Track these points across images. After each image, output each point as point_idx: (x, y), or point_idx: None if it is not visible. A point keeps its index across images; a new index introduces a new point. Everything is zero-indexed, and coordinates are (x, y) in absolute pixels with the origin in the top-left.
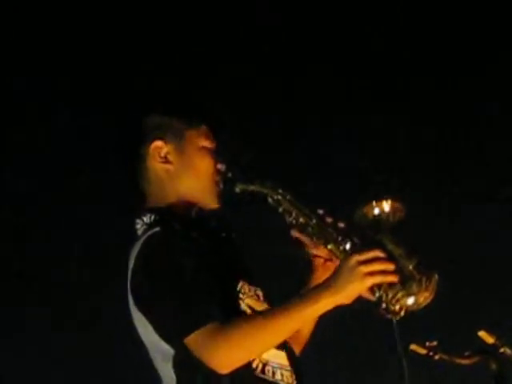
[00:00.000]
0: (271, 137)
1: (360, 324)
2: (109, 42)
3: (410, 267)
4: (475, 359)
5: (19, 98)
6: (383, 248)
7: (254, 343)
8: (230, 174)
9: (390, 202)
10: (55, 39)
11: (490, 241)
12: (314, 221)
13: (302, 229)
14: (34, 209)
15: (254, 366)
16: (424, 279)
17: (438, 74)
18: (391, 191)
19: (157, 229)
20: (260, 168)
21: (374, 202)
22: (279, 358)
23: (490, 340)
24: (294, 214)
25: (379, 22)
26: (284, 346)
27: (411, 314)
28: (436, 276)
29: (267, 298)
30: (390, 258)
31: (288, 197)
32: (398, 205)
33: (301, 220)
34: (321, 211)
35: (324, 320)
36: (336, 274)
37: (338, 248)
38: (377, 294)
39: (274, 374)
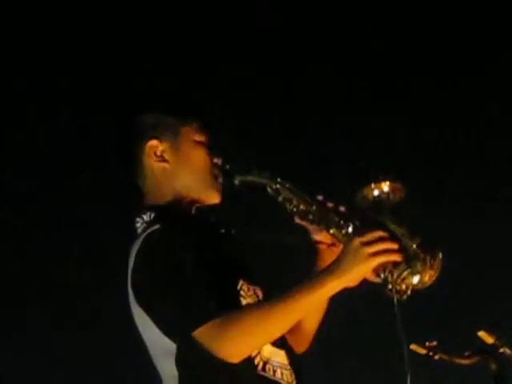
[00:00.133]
0: (271, 137)
1: (364, 323)
2: (109, 42)
3: (414, 246)
4: (475, 359)
5: (19, 98)
6: (385, 228)
7: (263, 331)
8: (227, 167)
9: (388, 182)
10: (55, 39)
11: (489, 241)
12: (315, 207)
13: (304, 216)
14: (33, 209)
15: (255, 362)
16: (428, 257)
17: (438, 74)
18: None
19: (157, 226)
20: (260, 168)
21: (372, 184)
22: (279, 357)
23: (489, 340)
24: (294, 202)
25: (379, 22)
26: (284, 345)
27: (411, 313)
28: (440, 254)
29: (267, 297)
30: (393, 237)
31: (287, 185)
32: (397, 185)
33: (301, 207)
34: (320, 197)
35: (328, 319)
36: (340, 257)
37: (341, 232)
38: (382, 276)
39: (274, 372)
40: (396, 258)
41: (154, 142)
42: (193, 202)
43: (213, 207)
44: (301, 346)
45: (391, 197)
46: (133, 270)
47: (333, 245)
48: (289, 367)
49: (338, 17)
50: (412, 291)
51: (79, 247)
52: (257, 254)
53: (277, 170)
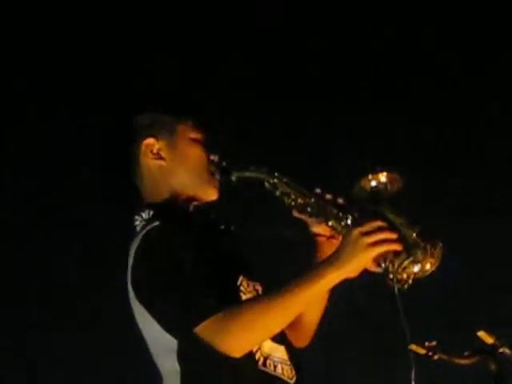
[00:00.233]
0: (271, 137)
1: (366, 318)
2: (109, 42)
3: (414, 235)
4: (474, 359)
5: (19, 98)
6: (384, 218)
7: (264, 325)
8: (224, 164)
9: (385, 173)
10: (55, 39)
11: (489, 240)
12: (313, 200)
13: (302, 209)
14: (34, 209)
15: (256, 358)
16: (429, 246)
17: (438, 74)
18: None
19: (156, 223)
20: (257, 164)
21: (370, 175)
22: (279, 352)
23: (489, 340)
24: (292, 196)
25: (379, 22)
26: (283, 341)
27: (410, 313)
28: (440, 243)
29: (266, 292)
30: (392, 227)
31: (285, 179)
32: (394, 175)
33: (299, 201)
34: (318, 189)
35: (329, 313)
36: (340, 248)
37: (340, 224)
38: (383, 265)
39: (275, 367)
40: (396, 247)
41: (150, 140)
42: (190, 199)
43: (211, 204)
44: (301, 340)
45: (389, 187)
46: (133, 268)
47: (332, 237)
48: (289, 362)
49: (337, 17)
50: (413, 280)
51: (79, 247)
52: (255, 249)
53: (277, 170)
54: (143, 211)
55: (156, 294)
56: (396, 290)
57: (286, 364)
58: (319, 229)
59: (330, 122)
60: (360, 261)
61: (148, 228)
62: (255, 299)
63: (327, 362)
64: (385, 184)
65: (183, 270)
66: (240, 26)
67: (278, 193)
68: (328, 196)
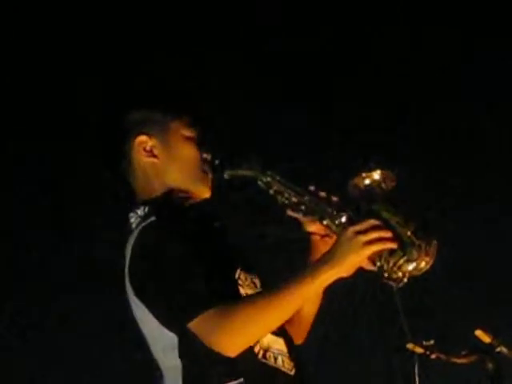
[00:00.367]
0: (271, 137)
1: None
2: (108, 42)
3: (409, 233)
4: (472, 358)
5: (21, 98)
6: (379, 217)
7: (258, 324)
8: (217, 162)
9: (379, 171)
10: (55, 39)
11: (489, 240)
12: (307, 198)
13: (296, 208)
14: (34, 209)
15: (255, 351)
16: (423, 244)
17: (438, 74)
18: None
19: (152, 218)
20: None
21: (363, 173)
22: (278, 345)
23: (486, 339)
24: (285, 194)
25: (379, 21)
26: (282, 333)
27: (409, 313)
28: (435, 241)
29: (264, 286)
30: (387, 225)
31: (278, 178)
32: (388, 173)
33: (293, 199)
34: (312, 187)
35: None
36: (334, 247)
37: (334, 222)
38: (378, 264)
39: (275, 359)
40: (391, 245)
41: (142, 138)
42: (184, 195)
43: (204, 202)
44: (296, 338)
45: (383, 185)
46: (130, 264)
47: (326, 235)
48: (288, 355)
49: (337, 17)
50: (408, 278)
51: (79, 247)
52: (249, 248)
53: (277, 170)
54: (138, 208)
55: (153, 289)
56: (395, 288)
57: (285, 356)
58: (313, 227)
59: (330, 121)
60: (355, 259)
61: (144, 224)
62: (249, 298)
63: (320, 362)
64: (379, 182)
65: (180, 265)
66: (240, 26)
67: (271, 191)
68: (322, 194)
